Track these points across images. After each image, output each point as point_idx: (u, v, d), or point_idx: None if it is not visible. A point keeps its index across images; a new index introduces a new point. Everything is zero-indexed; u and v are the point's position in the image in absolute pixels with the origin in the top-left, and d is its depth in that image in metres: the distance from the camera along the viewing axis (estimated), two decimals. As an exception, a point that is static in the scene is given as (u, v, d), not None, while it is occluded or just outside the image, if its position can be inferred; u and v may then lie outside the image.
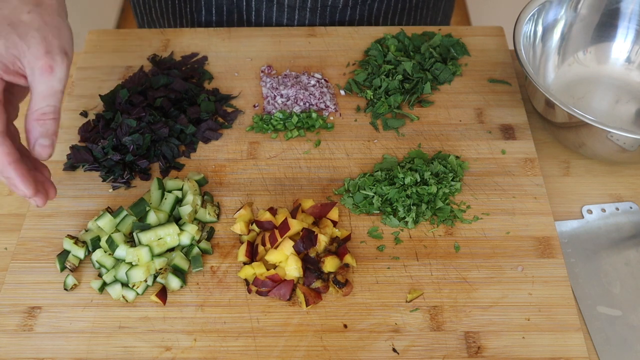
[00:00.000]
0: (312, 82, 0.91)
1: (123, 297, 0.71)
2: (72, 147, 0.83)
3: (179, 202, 0.78)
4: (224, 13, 1.04)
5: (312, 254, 0.73)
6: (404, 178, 0.78)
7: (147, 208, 0.75)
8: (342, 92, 0.92)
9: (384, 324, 0.70)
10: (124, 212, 0.75)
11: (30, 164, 0.69)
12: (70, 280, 0.72)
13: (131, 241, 0.74)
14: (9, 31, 0.63)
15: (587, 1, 0.91)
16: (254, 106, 0.90)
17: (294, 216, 0.76)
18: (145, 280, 0.71)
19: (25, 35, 0.63)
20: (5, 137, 0.63)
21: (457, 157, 0.83)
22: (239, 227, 0.76)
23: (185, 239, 0.74)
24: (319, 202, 0.78)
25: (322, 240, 0.73)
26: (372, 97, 0.90)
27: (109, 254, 0.73)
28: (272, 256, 0.72)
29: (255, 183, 0.81)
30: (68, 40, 0.67)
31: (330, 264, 0.72)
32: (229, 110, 0.89)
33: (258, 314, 0.71)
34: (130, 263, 0.72)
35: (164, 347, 0.68)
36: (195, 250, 0.74)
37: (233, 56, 0.96)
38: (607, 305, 0.73)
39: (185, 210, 0.76)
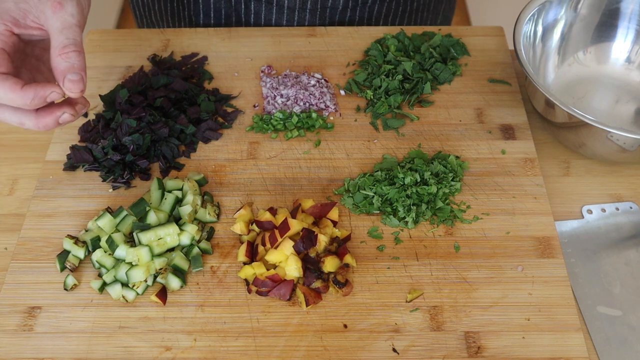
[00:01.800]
0: (312, 82, 0.91)
1: (123, 297, 0.71)
2: (72, 147, 0.83)
3: (179, 202, 0.78)
4: (222, 16, 1.04)
5: (312, 254, 0.73)
6: (404, 178, 0.78)
7: (147, 208, 0.75)
8: (342, 92, 0.92)
9: (384, 324, 0.70)
10: (124, 212, 0.75)
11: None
12: (70, 280, 0.72)
13: (131, 241, 0.74)
14: None
15: (587, 1, 0.91)
16: (254, 106, 0.90)
17: (294, 216, 0.76)
18: (145, 280, 0.71)
19: None
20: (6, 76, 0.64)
21: (457, 157, 0.83)
22: (239, 227, 0.76)
23: (185, 239, 0.74)
24: (319, 202, 0.78)
25: (322, 240, 0.73)
26: (372, 97, 0.90)
27: (109, 254, 0.73)
28: (272, 256, 0.72)
29: (255, 183, 0.81)
30: None
31: (330, 264, 0.72)
32: (229, 110, 0.89)
33: (258, 314, 0.71)
34: (130, 263, 0.72)
35: (164, 347, 0.68)
36: (195, 250, 0.74)
37: (233, 56, 0.96)
38: (607, 305, 0.73)
39: (185, 210, 0.76)
